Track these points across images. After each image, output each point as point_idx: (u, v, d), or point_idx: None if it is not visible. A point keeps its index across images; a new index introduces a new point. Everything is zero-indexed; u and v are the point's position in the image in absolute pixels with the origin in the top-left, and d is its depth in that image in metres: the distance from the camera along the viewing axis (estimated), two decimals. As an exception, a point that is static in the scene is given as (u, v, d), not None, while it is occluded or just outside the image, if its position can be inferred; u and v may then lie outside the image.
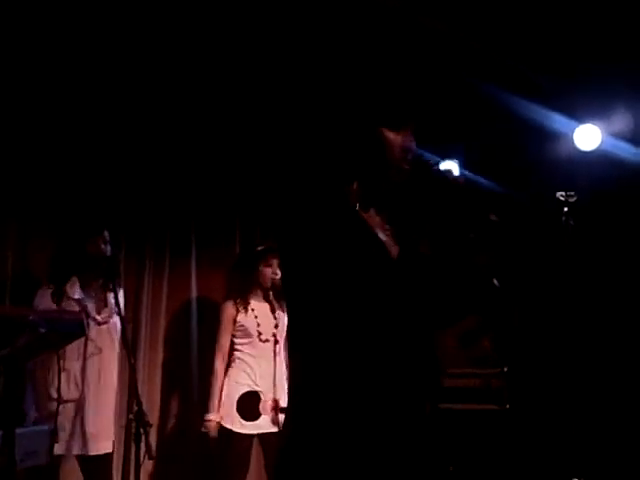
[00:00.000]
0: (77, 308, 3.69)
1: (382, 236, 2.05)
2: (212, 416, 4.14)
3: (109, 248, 3.82)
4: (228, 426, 4.11)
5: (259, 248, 4.33)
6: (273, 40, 4.33)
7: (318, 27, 4.25)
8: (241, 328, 4.22)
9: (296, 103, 4.64)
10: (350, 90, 2.09)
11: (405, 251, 2.07)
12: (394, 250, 2.05)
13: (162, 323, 4.83)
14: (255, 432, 4.11)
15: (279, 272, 4.20)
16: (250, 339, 4.21)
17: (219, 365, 4.22)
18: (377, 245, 2.01)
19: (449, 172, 2.08)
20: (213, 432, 4.13)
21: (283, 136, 4.67)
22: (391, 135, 2.02)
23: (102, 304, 3.80)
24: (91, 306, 3.75)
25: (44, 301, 3.68)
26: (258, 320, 4.21)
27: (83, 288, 3.77)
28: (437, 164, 2.08)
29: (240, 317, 4.22)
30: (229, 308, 4.26)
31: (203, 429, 4.16)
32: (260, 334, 4.20)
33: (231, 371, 4.23)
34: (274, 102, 4.74)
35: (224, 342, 4.24)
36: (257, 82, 4.62)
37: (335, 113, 2.08)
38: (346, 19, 4.17)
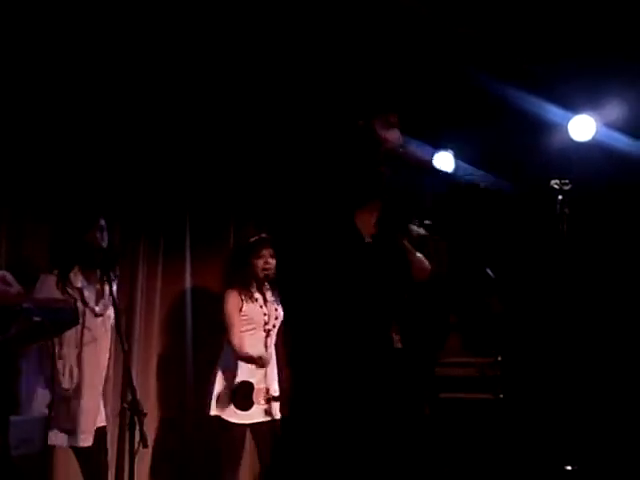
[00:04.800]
0: (78, 297, 3.65)
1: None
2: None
3: (106, 237, 3.78)
4: (224, 417, 4.11)
5: (251, 240, 4.32)
6: (266, 41, 4.34)
7: (309, 27, 4.26)
8: (245, 318, 4.21)
9: (287, 99, 4.65)
10: (341, 87, 2.09)
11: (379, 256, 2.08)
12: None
13: (157, 313, 4.82)
14: (248, 422, 4.11)
15: (271, 263, 4.20)
16: (253, 329, 4.21)
17: (239, 341, 4.14)
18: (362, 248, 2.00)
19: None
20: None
21: (281, 136, 4.68)
22: (381, 129, 2.02)
23: (100, 295, 3.77)
24: (91, 296, 3.72)
25: (46, 287, 3.62)
26: (264, 310, 4.23)
27: (84, 278, 3.74)
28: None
29: (245, 307, 4.22)
30: (234, 297, 4.22)
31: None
32: (266, 323, 4.22)
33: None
34: (266, 99, 4.75)
35: (237, 330, 4.15)
36: (250, 79, 4.63)
37: (325, 111, 2.09)
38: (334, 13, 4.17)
